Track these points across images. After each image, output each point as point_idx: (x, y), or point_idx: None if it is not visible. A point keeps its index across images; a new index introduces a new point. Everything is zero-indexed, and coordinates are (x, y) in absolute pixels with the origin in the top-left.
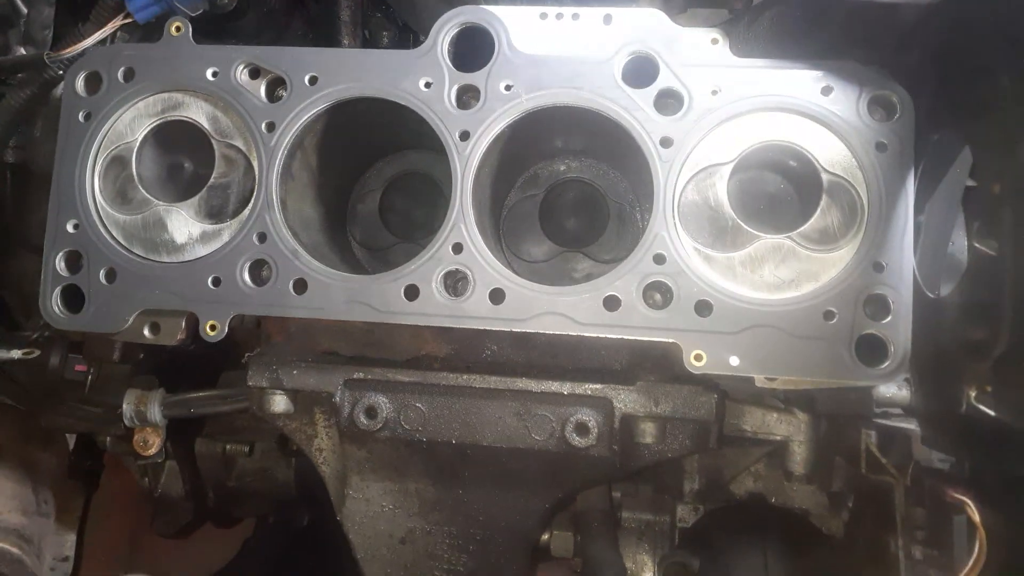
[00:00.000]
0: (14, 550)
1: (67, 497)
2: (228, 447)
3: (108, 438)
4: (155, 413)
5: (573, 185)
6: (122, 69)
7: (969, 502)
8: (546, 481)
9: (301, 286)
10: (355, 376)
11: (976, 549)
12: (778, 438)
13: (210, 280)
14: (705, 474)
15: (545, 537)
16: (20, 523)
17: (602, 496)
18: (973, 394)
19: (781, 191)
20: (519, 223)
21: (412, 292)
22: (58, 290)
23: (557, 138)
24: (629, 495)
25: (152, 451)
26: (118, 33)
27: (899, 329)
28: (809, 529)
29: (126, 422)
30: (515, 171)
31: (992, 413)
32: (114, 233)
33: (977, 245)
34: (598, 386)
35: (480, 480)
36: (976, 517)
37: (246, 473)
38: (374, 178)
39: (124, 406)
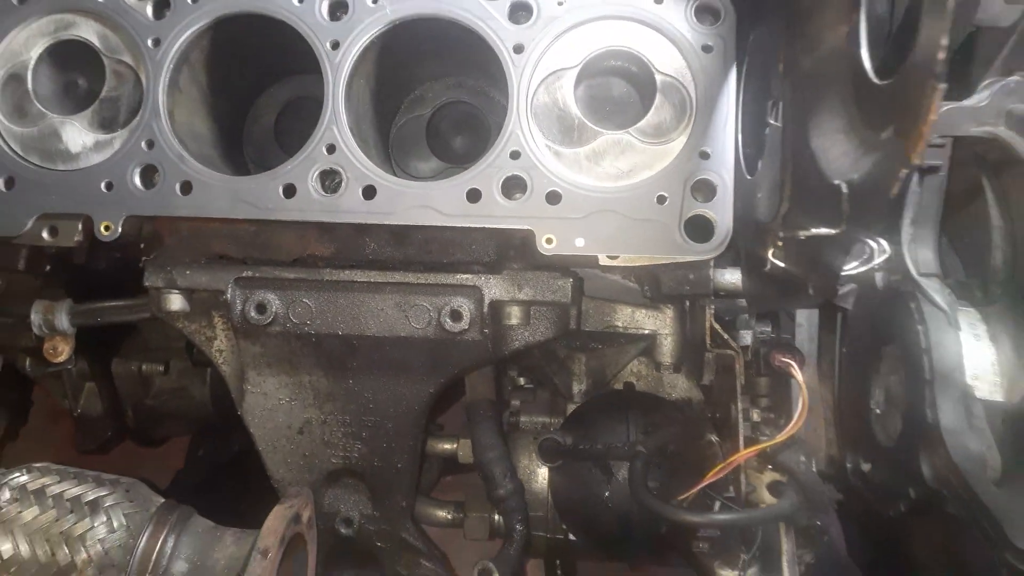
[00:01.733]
0: None
1: None
2: (144, 367)
3: (28, 360)
4: (63, 321)
5: (457, 106)
6: None
7: (793, 364)
8: (428, 367)
9: (187, 188)
10: (244, 275)
11: (800, 405)
12: (647, 331)
13: (103, 185)
14: (591, 375)
15: (452, 447)
16: None
17: (487, 387)
18: (771, 252)
19: (625, 94)
20: (407, 142)
21: (290, 190)
22: None
23: (434, 57)
24: (527, 401)
25: (62, 358)
26: None
27: (722, 209)
28: (669, 404)
29: (35, 331)
30: (400, 91)
31: (782, 265)
32: (12, 144)
33: (772, 121)
34: (468, 276)
35: (368, 370)
36: (799, 376)
37: (163, 391)
38: (269, 101)
39: (32, 315)
